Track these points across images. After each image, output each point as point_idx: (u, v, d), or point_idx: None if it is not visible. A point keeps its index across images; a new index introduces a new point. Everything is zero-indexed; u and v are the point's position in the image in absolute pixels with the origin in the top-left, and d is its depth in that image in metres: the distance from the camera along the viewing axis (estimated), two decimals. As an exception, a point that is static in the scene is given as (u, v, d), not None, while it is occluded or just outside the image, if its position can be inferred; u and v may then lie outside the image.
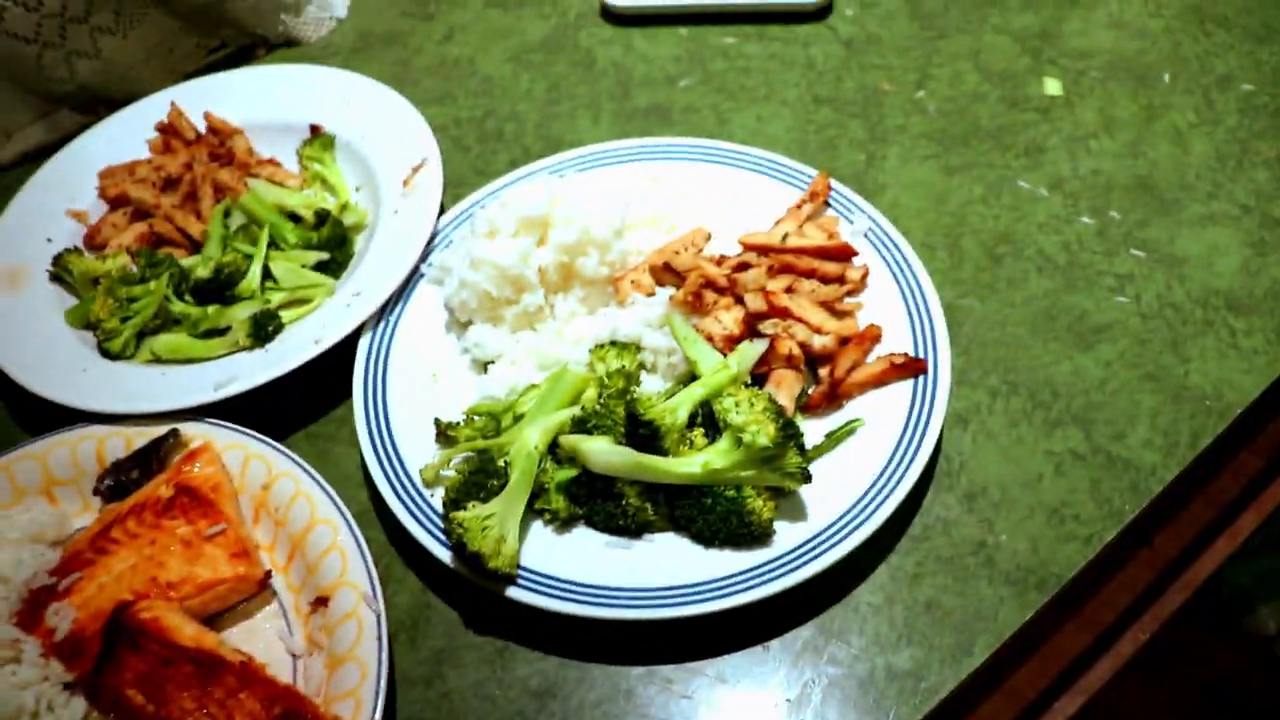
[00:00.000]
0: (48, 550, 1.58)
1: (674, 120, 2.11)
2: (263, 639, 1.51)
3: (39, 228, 1.98)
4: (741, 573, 1.42)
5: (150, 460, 1.63)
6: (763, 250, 1.72)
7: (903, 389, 1.58)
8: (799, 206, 1.79)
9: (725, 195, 1.86)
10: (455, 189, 2.01)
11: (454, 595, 1.54)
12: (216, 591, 1.49)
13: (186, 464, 1.59)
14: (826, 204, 1.81)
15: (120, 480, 1.63)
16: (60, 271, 1.89)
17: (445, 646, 1.49)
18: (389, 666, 1.39)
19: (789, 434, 1.44)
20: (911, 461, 1.49)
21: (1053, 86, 2.09)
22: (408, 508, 1.53)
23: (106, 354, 1.77)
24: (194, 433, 1.65)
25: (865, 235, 1.76)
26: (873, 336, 1.64)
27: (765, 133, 2.06)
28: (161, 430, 1.65)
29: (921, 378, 1.58)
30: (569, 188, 1.76)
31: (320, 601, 1.48)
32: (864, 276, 1.71)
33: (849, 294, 1.70)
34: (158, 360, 1.78)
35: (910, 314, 1.67)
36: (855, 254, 1.72)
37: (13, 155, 2.25)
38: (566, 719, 1.41)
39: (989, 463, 1.58)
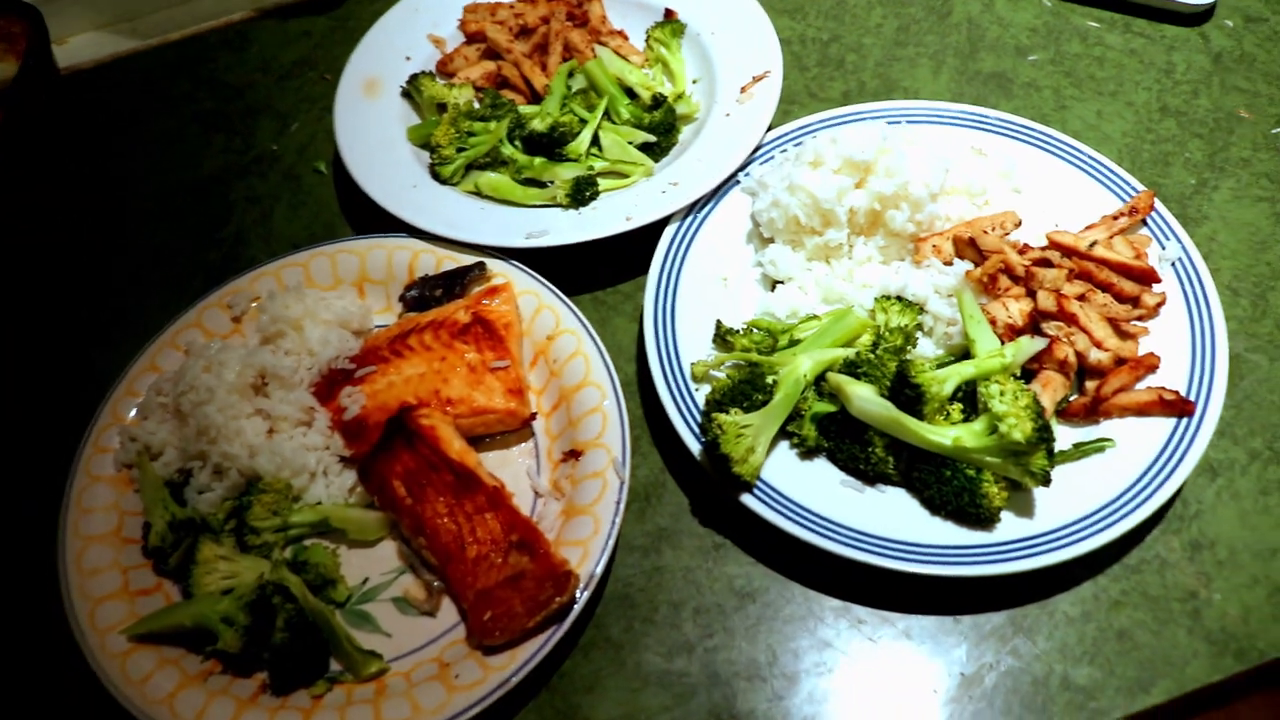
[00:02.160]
0: (350, 337, 1.82)
1: (1013, 94, 2.11)
2: (512, 470, 1.71)
3: (401, 45, 2.18)
4: (963, 547, 1.52)
5: (454, 284, 1.83)
6: (1067, 251, 1.74)
7: (1162, 423, 1.61)
8: (1115, 217, 1.80)
9: (1044, 184, 1.88)
10: (786, 105, 2.09)
11: (688, 483, 1.70)
12: (486, 419, 1.69)
13: (487, 297, 1.78)
14: (1143, 222, 1.81)
15: (424, 294, 1.84)
16: (412, 90, 2.09)
17: (669, 526, 1.66)
18: (619, 530, 1.56)
19: (1043, 436, 1.50)
20: (1150, 496, 1.53)
21: None
22: (672, 393, 1.67)
23: (436, 176, 1.97)
24: (498, 270, 1.84)
25: (1172, 263, 1.76)
26: (1149, 365, 1.66)
27: (1101, 130, 2.04)
28: (470, 260, 1.85)
29: (1185, 419, 1.60)
30: (899, 140, 1.82)
31: (573, 454, 1.67)
32: (1159, 305, 1.71)
33: (1139, 318, 1.71)
34: (478, 193, 1.97)
35: (1194, 353, 1.67)
36: (1158, 280, 1.73)
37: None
38: (759, 623, 1.56)
39: (1226, 521, 1.60)
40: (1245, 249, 1.87)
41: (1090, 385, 1.66)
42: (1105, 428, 1.63)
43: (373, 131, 2.04)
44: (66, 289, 2.07)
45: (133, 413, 1.78)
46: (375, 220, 1.92)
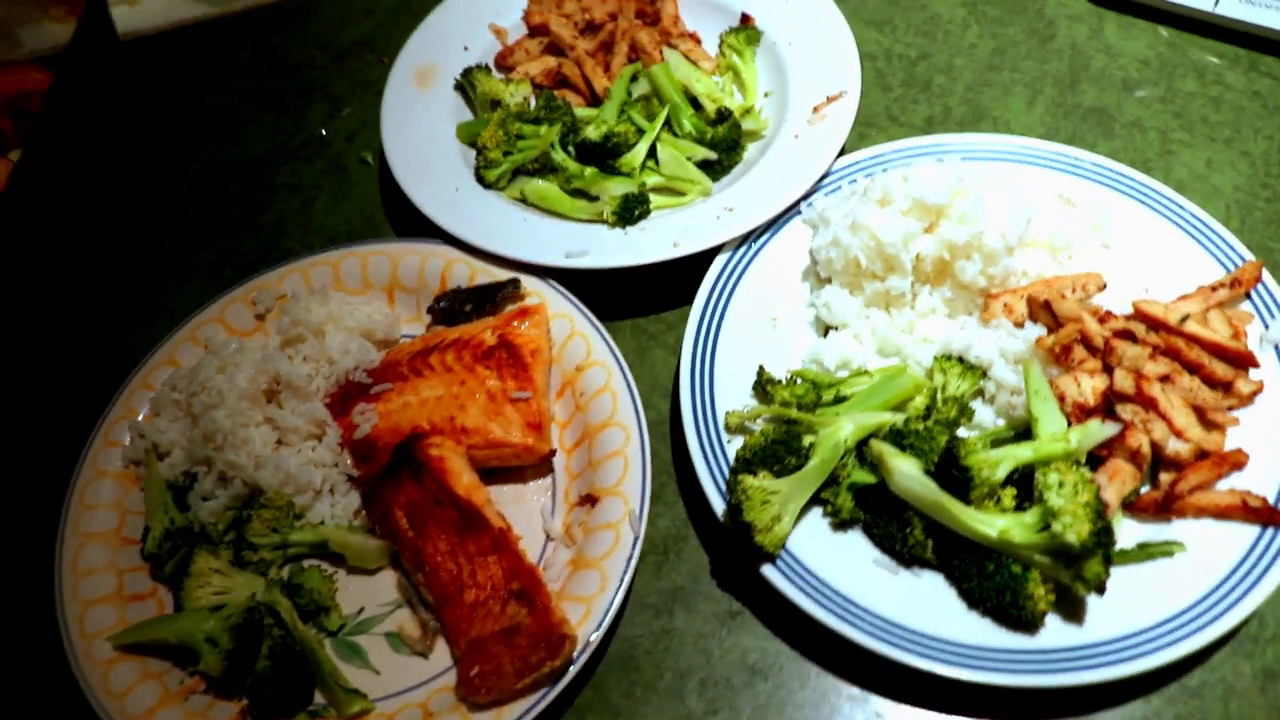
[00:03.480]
0: (372, 349, 1.73)
1: (1114, 133, 1.92)
2: (526, 508, 1.61)
3: (461, 33, 2.07)
4: (1001, 650, 1.37)
5: (486, 300, 1.73)
6: (1154, 324, 1.57)
7: (1244, 531, 1.44)
8: (1214, 288, 1.61)
9: (1139, 242, 1.70)
10: (863, 128, 1.94)
11: (711, 540, 1.58)
12: (501, 452, 1.59)
13: (517, 318, 1.67)
14: (1247, 295, 1.62)
15: (454, 308, 1.74)
16: (465, 83, 1.98)
17: (685, 586, 1.54)
18: (627, 589, 1.45)
19: (1101, 541, 1.34)
20: (1221, 615, 1.37)
21: None
22: (702, 443, 1.55)
23: (481, 179, 1.86)
24: (533, 288, 1.73)
25: (1276, 346, 1.57)
26: (1235, 462, 1.48)
27: (1209, 181, 1.84)
28: (505, 276, 1.74)
29: (1271, 530, 1.43)
30: (977, 181, 1.65)
31: (589, 499, 1.56)
32: (1254, 393, 1.53)
33: (1230, 406, 1.53)
34: (523, 200, 1.85)
35: (1291, 454, 1.49)
36: (1256, 365, 1.54)
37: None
38: (768, 705, 1.44)
39: (1308, 649, 1.43)
40: (1364, 333, 1.67)
41: (1165, 478, 1.49)
42: (1178, 528, 1.46)
43: (421, 125, 1.94)
44: (110, 266, 2.02)
45: (146, 407, 1.72)
46: (415, 221, 1.82)
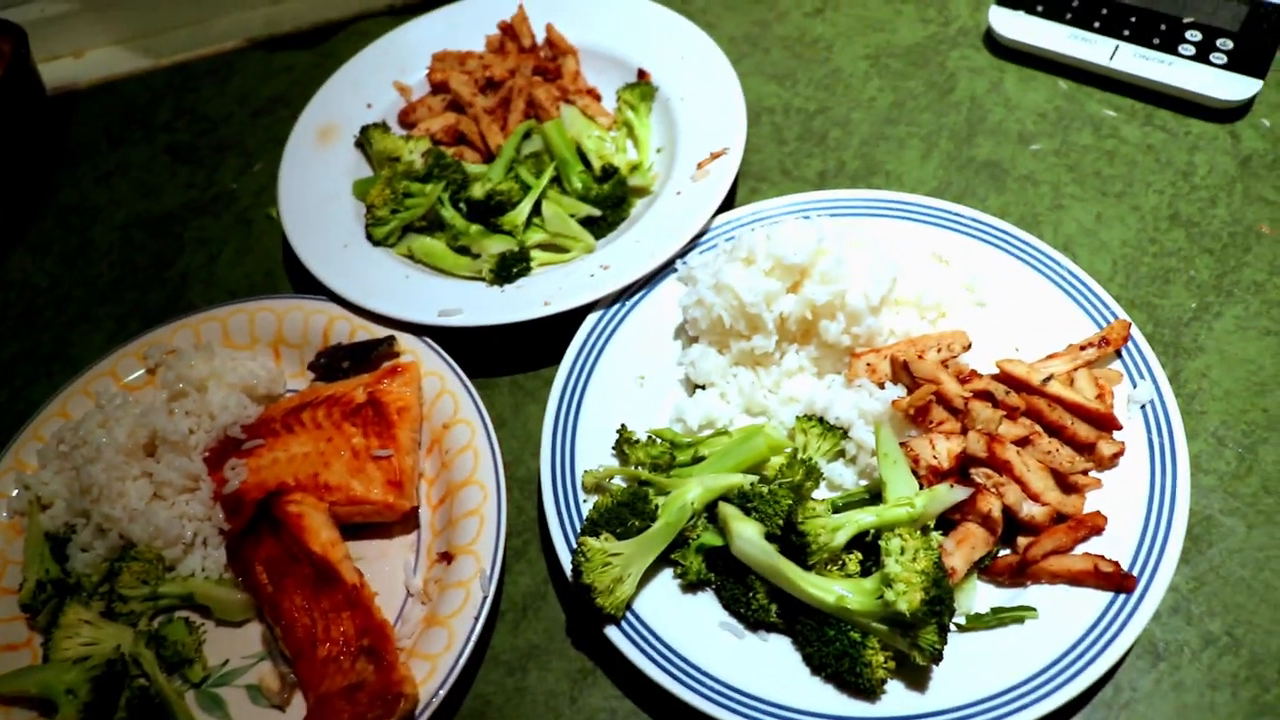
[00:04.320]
0: (251, 405, 1.74)
1: (1005, 187, 1.90)
2: (389, 564, 1.62)
3: (365, 91, 2.10)
4: (841, 718, 1.36)
5: (363, 356, 1.74)
6: (1017, 385, 1.55)
7: (1096, 597, 1.41)
8: (1083, 347, 1.59)
9: (1015, 300, 1.69)
10: (755, 182, 1.94)
11: (568, 598, 1.57)
12: (363, 508, 1.60)
13: (388, 377, 1.69)
14: (1117, 353, 1.60)
15: (333, 364, 1.76)
16: (364, 141, 2.00)
17: (540, 645, 1.54)
18: (473, 647, 1.44)
19: (934, 609, 1.32)
20: (1070, 681, 1.34)
21: None
22: (558, 502, 1.55)
23: (369, 237, 1.88)
24: (409, 346, 1.74)
25: (1142, 406, 1.55)
26: (1093, 527, 1.46)
27: (1098, 236, 1.82)
28: (382, 333, 1.76)
29: (1123, 597, 1.40)
30: (840, 240, 1.64)
31: (446, 557, 1.56)
32: (1116, 455, 1.51)
33: (1090, 469, 1.51)
34: (411, 257, 1.87)
35: (1149, 519, 1.46)
36: (1118, 427, 1.53)
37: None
38: (614, 768, 1.43)
39: (1162, 715, 1.40)
40: (1241, 390, 1.64)
41: (1021, 542, 1.47)
42: (1033, 593, 1.44)
43: (318, 183, 1.96)
44: (17, 314, 2.06)
45: (34, 459, 1.75)
46: (309, 277, 1.84)
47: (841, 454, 1.58)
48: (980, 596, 1.46)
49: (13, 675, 1.55)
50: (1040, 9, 2.05)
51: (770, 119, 2.04)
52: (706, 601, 1.48)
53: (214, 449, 1.71)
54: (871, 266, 1.62)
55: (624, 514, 1.47)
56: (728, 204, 1.80)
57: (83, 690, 1.49)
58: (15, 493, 1.72)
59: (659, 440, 1.59)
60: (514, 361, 1.81)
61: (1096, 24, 2.01)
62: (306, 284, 1.86)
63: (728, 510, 1.44)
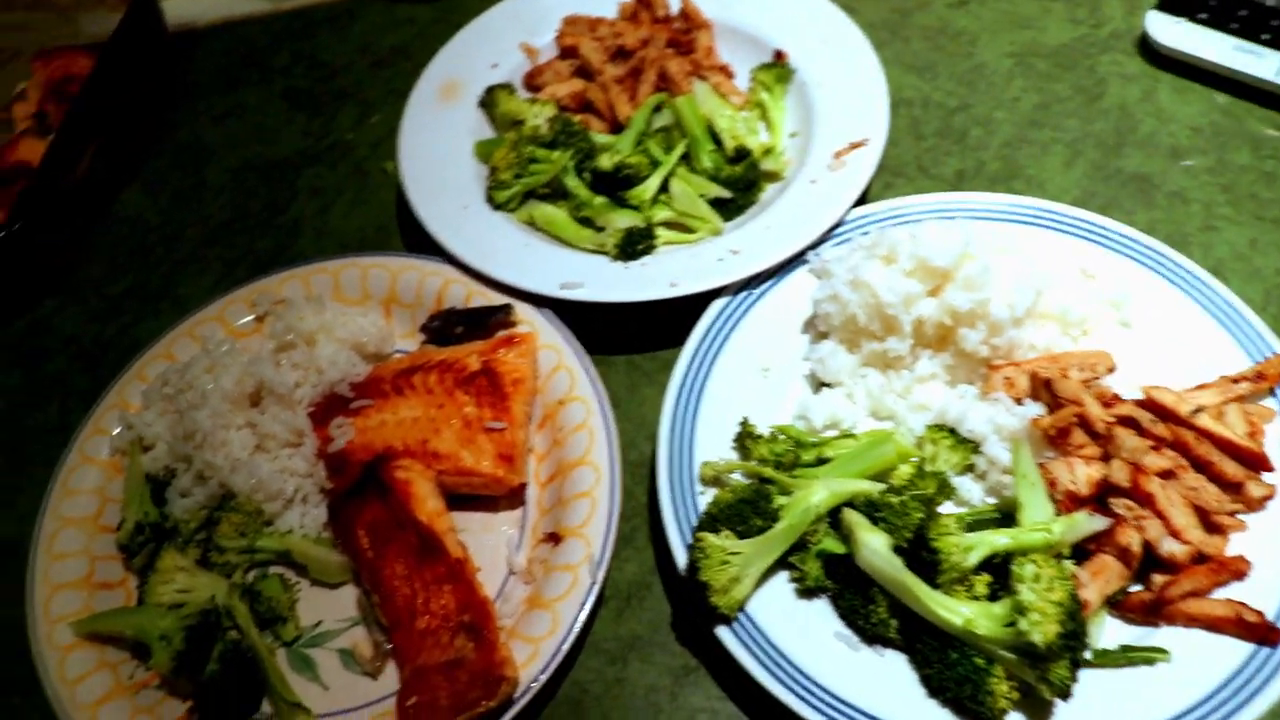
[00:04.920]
0: (359, 362, 1.71)
1: (1154, 203, 1.81)
2: (493, 538, 1.58)
3: (490, 51, 2.05)
4: (950, 745, 1.31)
5: (478, 323, 1.70)
6: (1163, 414, 1.47)
7: (1235, 647, 1.34)
8: (1236, 380, 1.51)
9: (1162, 323, 1.61)
10: (890, 177, 1.87)
11: (675, 590, 1.53)
12: (471, 480, 1.56)
13: (504, 346, 1.64)
14: (1271, 392, 1.52)
15: (446, 328, 1.72)
16: (488, 101, 1.96)
17: (643, 636, 1.49)
18: (578, 635, 1.41)
19: (1069, 644, 1.26)
20: (1201, 734, 1.28)
21: None
22: (674, 492, 1.50)
23: (490, 200, 1.84)
24: (526, 316, 1.70)
25: (1296, 448, 1.47)
26: (1235, 571, 1.38)
27: (1251, 262, 1.73)
28: (499, 300, 1.71)
29: (1265, 650, 1.33)
30: (987, 246, 1.57)
31: (554, 537, 1.52)
32: (1265, 498, 1.43)
33: (1237, 510, 1.43)
34: (531, 225, 1.82)
35: (1297, 567, 1.39)
36: (1270, 469, 1.44)
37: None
38: (712, 771, 1.39)
39: (1297, 781, 1.33)
40: (1401, 442, 1.55)
41: (1157, 580, 1.40)
42: (1165, 635, 1.37)
43: (439, 141, 1.92)
44: (130, 250, 2.05)
45: (138, 399, 1.73)
46: (424, 236, 1.80)
47: (970, 468, 1.52)
48: (1109, 631, 1.39)
49: (110, 615, 1.55)
50: (1203, 16, 1.95)
51: (908, 112, 1.97)
52: (822, 609, 1.43)
53: (319, 404, 1.68)
54: (1018, 276, 1.54)
55: (746, 511, 1.42)
56: (861, 198, 1.73)
57: (177, 638, 1.47)
58: (117, 430, 1.71)
59: (782, 437, 1.54)
60: (630, 340, 1.76)
61: (1265, 36, 1.90)
62: (420, 243, 1.82)
63: (854, 518, 1.38)
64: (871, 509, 1.41)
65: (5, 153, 2.04)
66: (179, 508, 1.63)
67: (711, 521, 1.43)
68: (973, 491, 1.50)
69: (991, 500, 1.50)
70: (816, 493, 1.43)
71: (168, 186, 2.13)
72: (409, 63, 2.22)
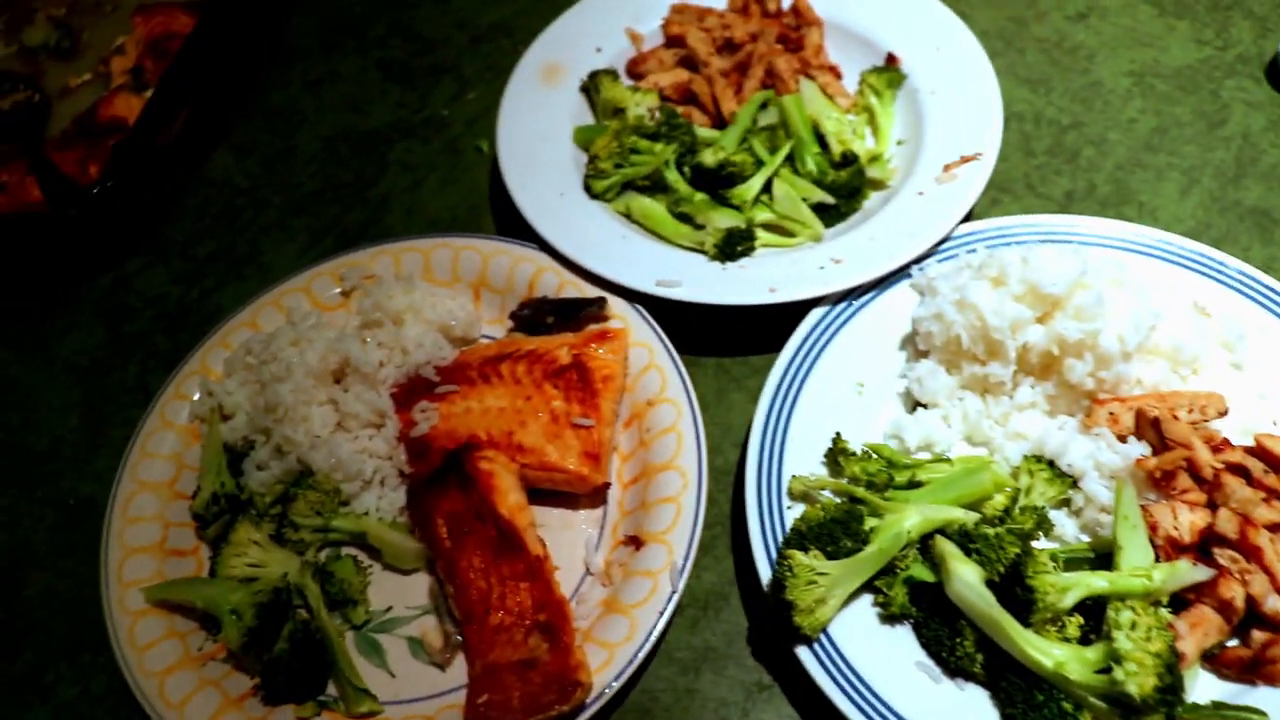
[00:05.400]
0: (446, 345, 1.69)
1: (1273, 239, 1.74)
2: (571, 536, 1.56)
3: (594, 35, 2.01)
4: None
5: (569, 314, 1.68)
6: (1275, 464, 1.42)
7: (1339, 714, 1.29)
8: (1354, 434, 1.45)
9: (1275, 367, 1.54)
10: (996, 193, 1.81)
11: (754, 603, 1.50)
12: (554, 476, 1.54)
13: (596, 340, 1.62)
14: (1391, 448, 1.45)
15: (537, 317, 1.70)
16: (590, 86, 1.92)
17: (718, 648, 1.47)
18: (655, 642, 1.38)
19: (1165, 697, 1.22)
20: (1294, 801, 1.23)
21: None
22: (761, 505, 1.47)
23: (588, 188, 1.81)
24: (619, 311, 1.67)
25: None
26: (1343, 635, 1.33)
27: (1382, 307, 1.66)
28: (593, 293, 1.68)
29: (1370, 718, 1.28)
30: (1101, 276, 1.52)
31: (635, 541, 1.49)
32: (1379, 561, 1.37)
33: (1347, 570, 1.38)
34: (628, 216, 1.79)
35: None
36: (1389, 531, 1.39)
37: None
38: (782, 791, 1.37)
39: None
40: None
41: (1258, 638, 1.34)
42: (1263, 695, 1.32)
43: (540, 122, 1.89)
44: (217, 213, 2.04)
45: (220, 366, 1.73)
46: (516, 219, 1.77)
47: (1066, 503, 1.47)
48: (1200, 686, 1.34)
49: (181, 584, 1.55)
50: (1338, 47, 1.88)
51: (1019, 126, 1.91)
52: (904, 636, 1.39)
53: (403, 386, 1.66)
54: (1131, 309, 1.49)
55: (835, 531, 1.39)
56: (967, 214, 1.68)
57: (248, 614, 1.47)
58: (197, 396, 1.71)
59: (875, 456, 1.50)
60: (720, 342, 1.72)
61: (1403, 73, 1.83)
62: (512, 226, 1.79)
63: (947, 548, 1.35)
64: (965, 539, 1.37)
65: (100, 107, 2.04)
66: (255, 480, 1.62)
67: (800, 539, 1.40)
68: (1066, 527, 1.46)
69: (1085, 538, 1.45)
70: (909, 518, 1.39)
71: (258, 150, 2.12)
72: (508, 40, 2.19)
